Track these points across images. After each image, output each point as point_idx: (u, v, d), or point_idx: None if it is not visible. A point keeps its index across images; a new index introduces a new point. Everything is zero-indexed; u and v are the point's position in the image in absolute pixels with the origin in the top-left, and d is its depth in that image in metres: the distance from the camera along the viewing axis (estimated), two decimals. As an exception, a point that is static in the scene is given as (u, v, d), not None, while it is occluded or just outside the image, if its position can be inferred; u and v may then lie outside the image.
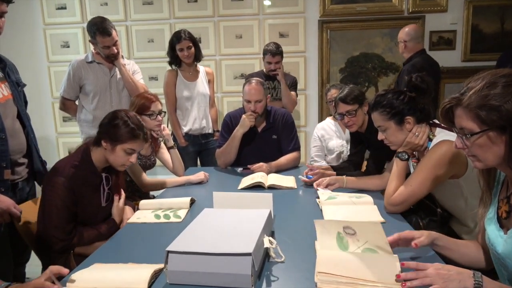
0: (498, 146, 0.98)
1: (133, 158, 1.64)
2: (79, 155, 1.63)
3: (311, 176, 2.08)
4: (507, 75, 0.97)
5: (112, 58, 2.66)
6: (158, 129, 2.21)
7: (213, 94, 3.26)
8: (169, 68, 3.13)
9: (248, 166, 2.39)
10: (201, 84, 3.10)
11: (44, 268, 1.72)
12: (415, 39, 3.16)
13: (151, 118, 2.15)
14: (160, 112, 2.20)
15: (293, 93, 3.28)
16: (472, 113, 0.98)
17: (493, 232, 1.09)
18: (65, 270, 1.07)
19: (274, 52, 3.15)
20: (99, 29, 2.53)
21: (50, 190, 1.55)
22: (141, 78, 2.87)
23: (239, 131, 2.43)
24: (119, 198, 1.73)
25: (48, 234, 1.54)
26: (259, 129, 2.55)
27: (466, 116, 1.00)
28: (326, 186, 1.92)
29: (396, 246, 1.22)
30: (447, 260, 1.21)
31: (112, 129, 1.60)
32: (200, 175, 2.25)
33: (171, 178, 2.26)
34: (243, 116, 2.42)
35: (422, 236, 1.19)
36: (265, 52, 3.22)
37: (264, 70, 3.31)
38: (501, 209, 1.09)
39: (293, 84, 3.31)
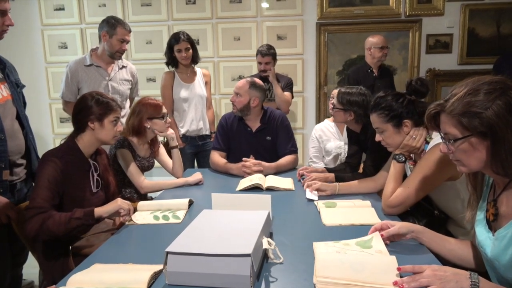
0: (480, 151, 1.01)
1: (120, 127, 1.82)
2: (65, 144, 1.76)
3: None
4: (489, 82, 1.00)
5: (117, 57, 2.74)
6: (168, 131, 2.26)
7: (210, 95, 3.27)
8: (167, 69, 3.14)
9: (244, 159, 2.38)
10: (198, 86, 3.11)
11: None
12: None
13: (162, 120, 2.21)
14: (167, 114, 2.26)
15: (287, 93, 3.29)
16: (455, 119, 1.02)
17: (482, 234, 1.11)
18: None
19: (264, 53, 3.21)
20: (122, 23, 2.68)
21: (40, 170, 1.62)
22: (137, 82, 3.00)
23: (232, 171, 2.40)
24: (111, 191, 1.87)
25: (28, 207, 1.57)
26: (254, 129, 2.56)
27: (450, 122, 1.04)
28: (316, 190, 1.88)
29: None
30: (444, 262, 1.22)
31: (94, 109, 1.76)
32: (197, 175, 2.25)
33: (169, 180, 2.27)
34: (244, 166, 2.34)
35: (393, 227, 1.29)
36: (256, 53, 3.29)
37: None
38: (488, 212, 1.11)
39: (288, 85, 3.32)
